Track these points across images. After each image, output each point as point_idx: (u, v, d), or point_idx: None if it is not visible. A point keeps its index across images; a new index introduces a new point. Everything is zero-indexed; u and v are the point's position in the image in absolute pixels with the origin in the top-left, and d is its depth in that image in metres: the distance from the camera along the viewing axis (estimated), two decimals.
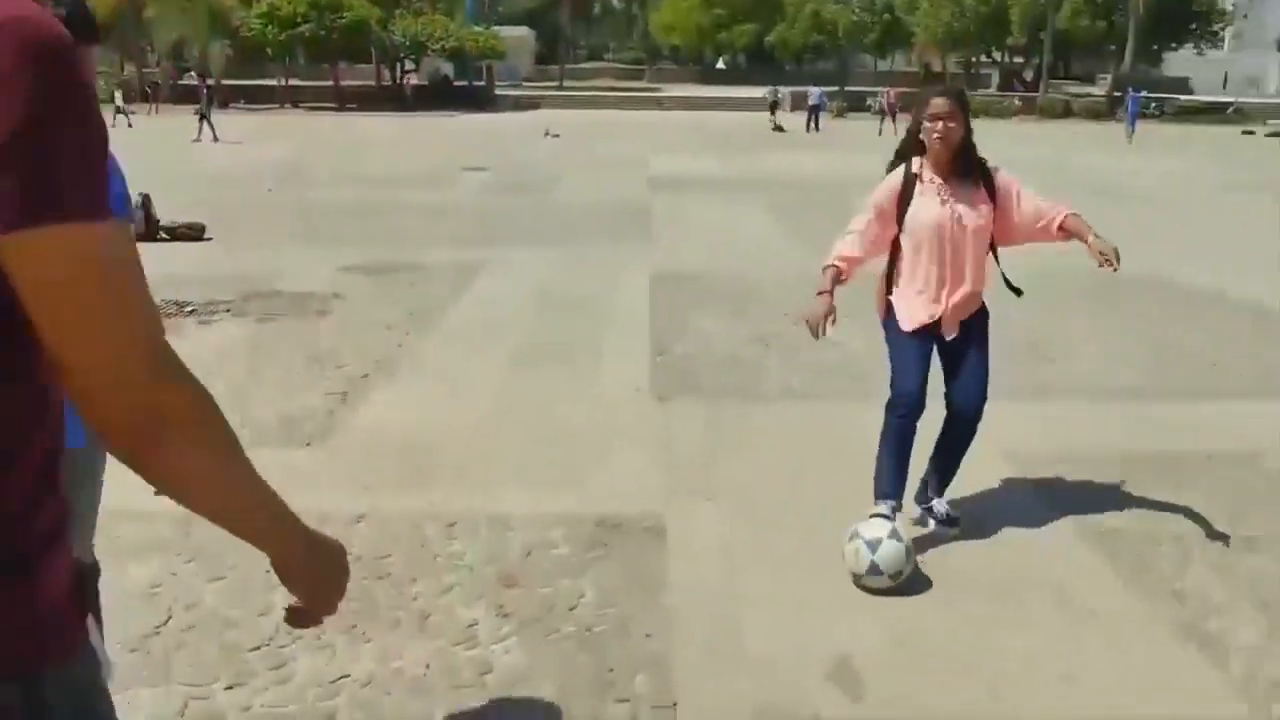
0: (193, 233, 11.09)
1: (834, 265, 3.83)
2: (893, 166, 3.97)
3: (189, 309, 7.83)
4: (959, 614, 3.50)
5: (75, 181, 0.91)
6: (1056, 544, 4.02)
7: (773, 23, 58.58)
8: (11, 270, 0.90)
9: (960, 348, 3.91)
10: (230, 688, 3.07)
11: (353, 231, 11.75)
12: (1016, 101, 44.77)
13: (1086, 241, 3.74)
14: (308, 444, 5.06)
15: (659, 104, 46.04)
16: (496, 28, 53.48)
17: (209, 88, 31.02)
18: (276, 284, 8.77)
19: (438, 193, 15.71)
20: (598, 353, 6.69)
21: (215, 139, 25.78)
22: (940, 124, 3.74)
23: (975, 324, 3.93)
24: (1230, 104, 45.63)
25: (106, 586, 3.28)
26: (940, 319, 3.86)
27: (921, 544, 3.86)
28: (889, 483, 3.87)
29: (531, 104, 44.70)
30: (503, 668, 3.16)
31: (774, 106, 35.29)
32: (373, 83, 47.86)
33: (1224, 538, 4.08)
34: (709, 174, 18.96)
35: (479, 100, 44.77)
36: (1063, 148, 26.78)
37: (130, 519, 4.09)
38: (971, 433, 3.98)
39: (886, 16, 53.55)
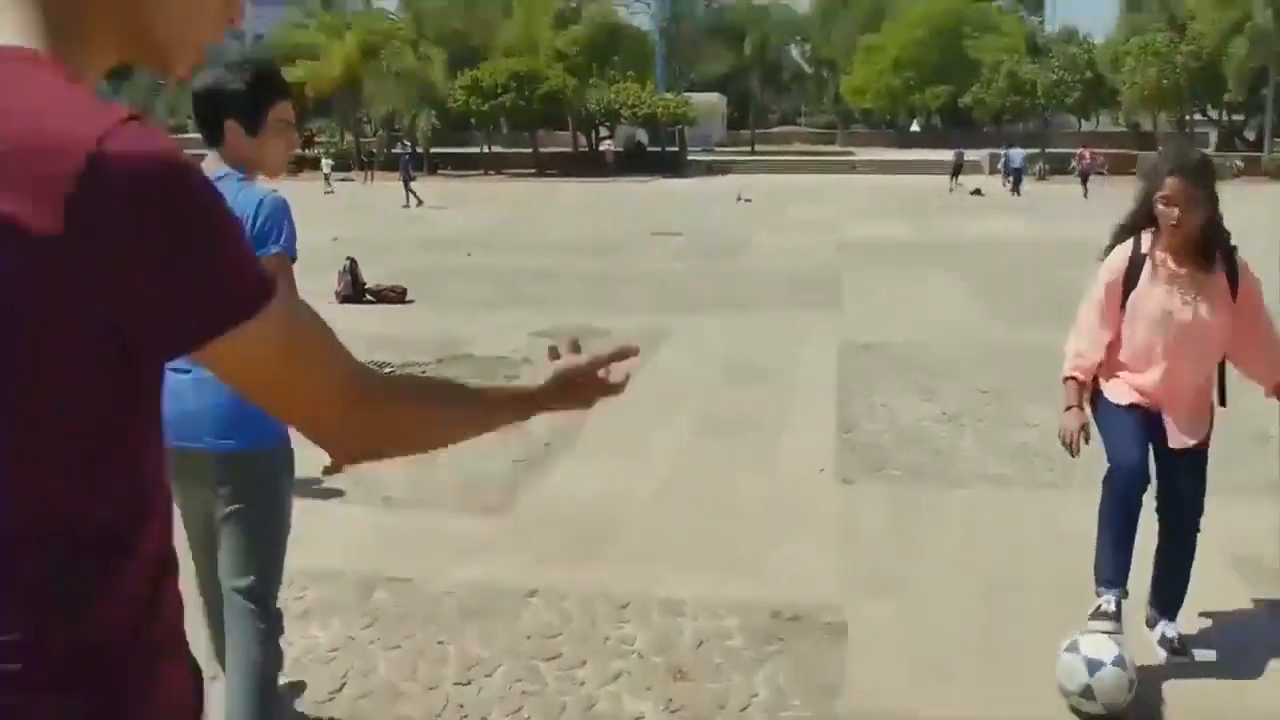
0: (396, 295, 11.59)
1: (1073, 377, 3.48)
2: (1116, 241, 3.52)
3: (386, 368, 8.10)
4: None
5: (244, 278, 0.94)
6: None
7: (968, 84, 57.30)
8: (213, 362, 0.98)
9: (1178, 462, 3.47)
10: None
11: (545, 296, 12.00)
12: (1238, 162, 41.93)
13: None
14: (487, 511, 5.08)
15: (851, 167, 45.60)
16: (688, 94, 54.47)
17: (409, 155, 32.81)
18: (470, 347, 9.02)
19: (628, 258, 15.94)
20: (781, 427, 6.50)
21: (419, 203, 27.13)
22: (1174, 211, 3.23)
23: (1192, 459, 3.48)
24: None
25: (289, 646, 3.34)
26: (1164, 425, 3.43)
27: (1142, 670, 3.46)
28: (1111, 567, 3.41)
29: (723, 169, 45.14)
30: None
31: (958, 170, 34.43)
32: (570, 149, 49.51)
33: None
34: (902, 239, 18.52)
35: (672, 165, 45.59)
36: None
37: (317, 579, 4.19)
38: (1192, 542, 3.52)
39: (1089, 74, 51.42)
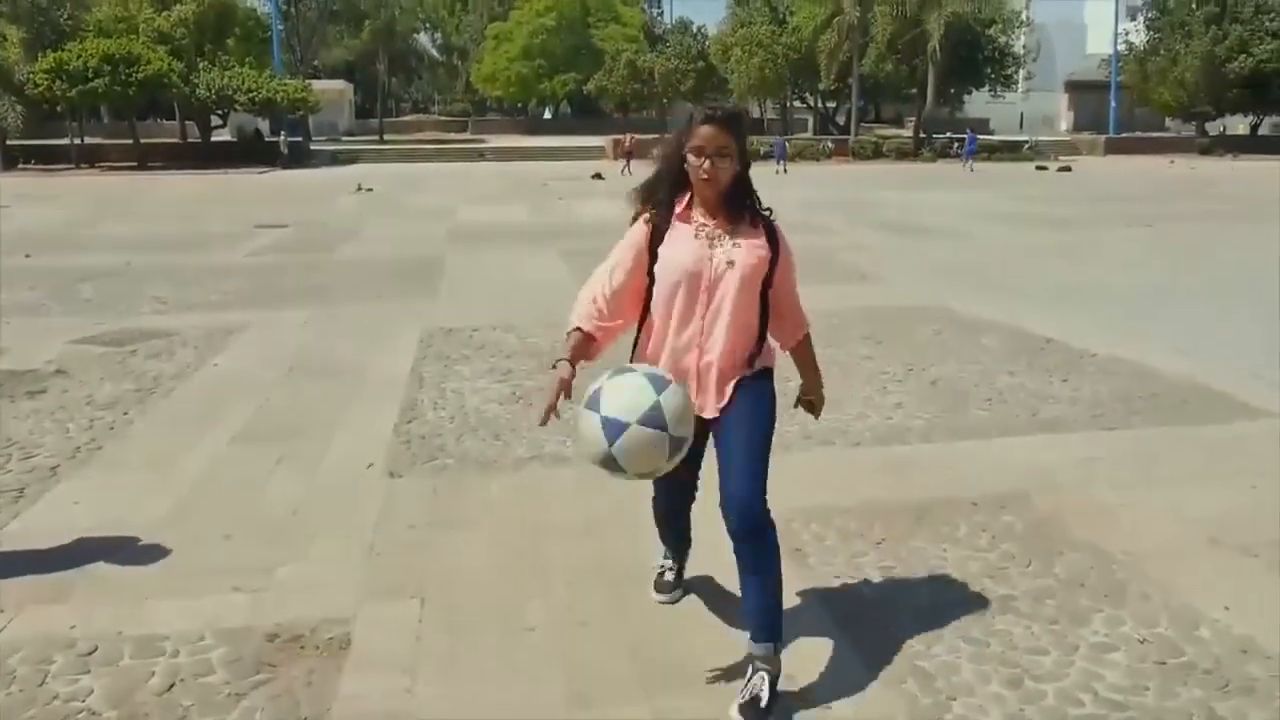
0: None
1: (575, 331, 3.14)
2: (640, 207, 3.17)
3: None
4: None
5: None
6: (793, 619, 3.58)
7: (593, 72, 58.98)
8: None
9: (726, 425, 3.10)
10: None
11: (109, 298, 10.69)
12: (830, 144, 46.17)
13: (805, 380, 3.38)
14: None
15: (480, 155, 45.47)
16: (311, 81, 51.97)
17: None
18: None
19: (220, 253, 14.66)
20: (336, 424, 6.01)
21: None
22: (706, 161, 2.95)
23: (748, 392, 3.11)
24: (1025, 142, 48.30)
25: None
26: (694, 385, 3.09)
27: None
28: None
29: (350, 158, 43.45)
30: None
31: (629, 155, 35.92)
32: (178, 139, 45.65)
33: (979, 601, 3.75)
34: (515, 224, 18.48)
35: (294, 155, 43.21)
36: (870, 186, 27.56)
37: None
38: (759, 546, 3.03)
39: (701, 64, 54.56)
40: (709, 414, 3.09)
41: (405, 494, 4.85)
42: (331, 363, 7.61)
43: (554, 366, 3.08)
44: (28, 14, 44.23)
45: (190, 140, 45.51)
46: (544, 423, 2.98)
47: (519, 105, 73.53)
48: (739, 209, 3.06)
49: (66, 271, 12.59)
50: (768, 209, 3.14)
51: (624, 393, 2.81)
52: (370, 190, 26.80)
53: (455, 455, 5.40)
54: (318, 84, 52.41)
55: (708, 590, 3.78)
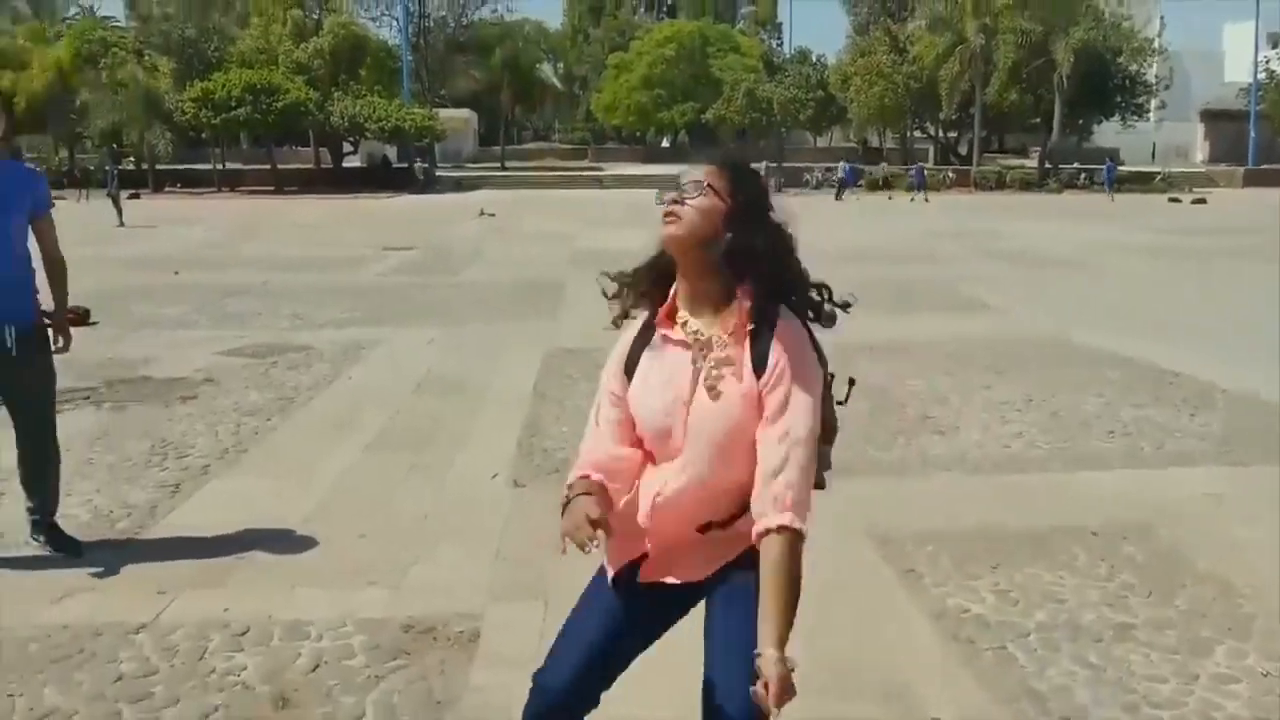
0: (77, 317, 10.55)
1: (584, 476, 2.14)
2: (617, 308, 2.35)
3: None
4: None
5: None
6: (910, 638, 3.65)
7: (711, 102, 59.40)
8: None
9: (713, 610, 2.19)
10: None
11: (249, 313, 11.31)
12: (951, 174, 45.53)
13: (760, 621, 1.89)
14: (116, 542, 4.58)
15: (599, 182, 46.20)
16: (437, 109, 53.66)
17: (115, 171, 30.53)
18: (148, 369, 8.33)
19: (351, 273, 15.32)
20: (464, 436, 6.28)
21: (121, 224, 25.17)
22: (674, 192, 2.16)
23: (735, 582, 2.13)
24: (1158, 173, 46.79)
25: None
26: (641, 557, 2.24)
27: None
28: None
29: (473, 185, 44.65)
30: None
31: (842, 185, 37.66)
32: (312, 165, 47.66)
33: (1098, 627, 3.74)
34: (635, 249, 18.37)
35: (421, 181, 44.68)
36: (994, 217, 27.10)
37: None
38: None
39: (820, 93, 54.44)
40: (675, 578, 2.23)
41: (529, 503, 5.05)
42: (458, 379, 7.93)
43: (566, 501, 2.12)
44: (178, 46, 46.93)
45: (323, 166, 47.40)
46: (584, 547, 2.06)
47: (637, 134, 74.42)
48: (728, 295, 2.10)
49: (211, 288, 13.33)
50: (823, 304, 2.17)
51: None
52: (493, 215, 27.51)
53: None
54: (444, 113, 54.07)
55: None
